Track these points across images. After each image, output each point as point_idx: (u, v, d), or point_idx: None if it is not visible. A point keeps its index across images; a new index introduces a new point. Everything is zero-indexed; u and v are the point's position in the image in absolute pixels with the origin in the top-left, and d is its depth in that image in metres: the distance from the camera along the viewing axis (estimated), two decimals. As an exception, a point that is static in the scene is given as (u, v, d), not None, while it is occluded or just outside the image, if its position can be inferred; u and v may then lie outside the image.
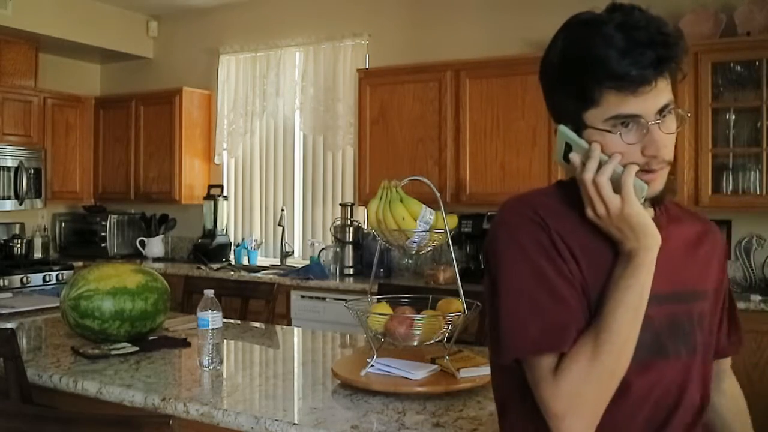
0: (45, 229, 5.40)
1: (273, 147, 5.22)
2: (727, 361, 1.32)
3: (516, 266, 1.09)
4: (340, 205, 4.66)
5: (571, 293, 1.08)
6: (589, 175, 1.06)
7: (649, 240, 1.06)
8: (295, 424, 1.56)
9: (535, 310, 1.07)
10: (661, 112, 1.06)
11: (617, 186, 1.05)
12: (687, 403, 1.13)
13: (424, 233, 1.86)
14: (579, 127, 1.09)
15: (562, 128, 1.11)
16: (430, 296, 2.02)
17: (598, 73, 1.04)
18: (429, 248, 1.94)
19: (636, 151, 1.06)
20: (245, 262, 5.04)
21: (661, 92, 1.05)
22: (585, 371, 1.04)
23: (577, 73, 1.06)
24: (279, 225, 4.99)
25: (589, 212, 1.08)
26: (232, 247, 5.23)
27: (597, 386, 1.05)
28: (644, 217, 1.06)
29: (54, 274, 4.86)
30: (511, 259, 1.10)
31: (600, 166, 1.07)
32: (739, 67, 3.47)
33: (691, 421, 1.14)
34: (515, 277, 1.09)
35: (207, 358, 2.03)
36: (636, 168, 1.06)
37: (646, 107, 1.05)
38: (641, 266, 1.06)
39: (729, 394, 1.31)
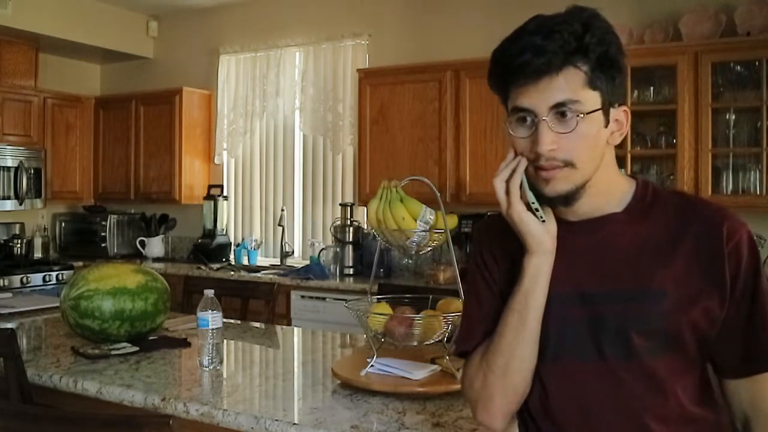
0: (45, 229, 5.40)
1: (273, 147, 5.21)
2: (753, 391, 1.11)
3: (465, 280, 1.30)
4: (340, 205, 4.66)
5: (488, 300, 1.20)
6: (494, 176, 1.13)
7: (533, 245, 1.11)
8: (295, 424, 1.56)
9: (465, 314, 1.26)
10: (557, 109, 1.06)
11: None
12: (623, 408, 1.08)
13: (424, 233, 1.87)
14: None
15: (503, 126, 1.19)
16: (430, 296, 2.02)
17: (499, 64, 1.10)
18: (429, 248, 1.94)
19: (530, 148, 1.09)
20: (245, 262, 5.04)
21: (555, 88, 1.05)
22: (476, 368, 1.18)
23: (492, 65, 1.12)
24: (279, 225, 4.99)
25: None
26: (232, 247, 5.23)
27: (485, 382, 1.15)
28: (526, 222, 1.10)
29: (54, 274, 4.85)
30: (466, 274, 1.30)
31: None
32: (739, 67, 3.47)
33: (639, 429, 1.08)
34: (465, 288, 1.30)
35: (207, 358, 2.03)
36: (521, 172, 1.09)
37: (536, 101, 1.06)
38: (524, 271, 1.12)
39: None
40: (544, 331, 1.12)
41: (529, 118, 1.08)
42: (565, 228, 1.13)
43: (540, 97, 1.05)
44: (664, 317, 1.07)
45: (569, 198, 1.10)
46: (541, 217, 1.10)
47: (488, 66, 1.13)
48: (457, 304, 1.88)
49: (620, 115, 1.13)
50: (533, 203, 1.10)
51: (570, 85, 1.05)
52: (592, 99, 1.07)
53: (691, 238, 1.10)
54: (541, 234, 1.10)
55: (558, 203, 1.11)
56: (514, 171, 1.10)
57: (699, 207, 1.14)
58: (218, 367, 2.05)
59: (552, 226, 1.12)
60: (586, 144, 1.07)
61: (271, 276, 4.45)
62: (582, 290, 1.11)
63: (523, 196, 1.10)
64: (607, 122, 1.10)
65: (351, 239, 4.48)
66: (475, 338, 1.20)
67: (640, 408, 1.08)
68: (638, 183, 1.18)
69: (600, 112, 1.08)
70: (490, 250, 1.22)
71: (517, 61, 1.05)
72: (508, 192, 1.10)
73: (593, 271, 1.11)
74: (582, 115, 1.05)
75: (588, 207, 1.12)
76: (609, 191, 1.14)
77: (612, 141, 1.13)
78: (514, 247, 1.15)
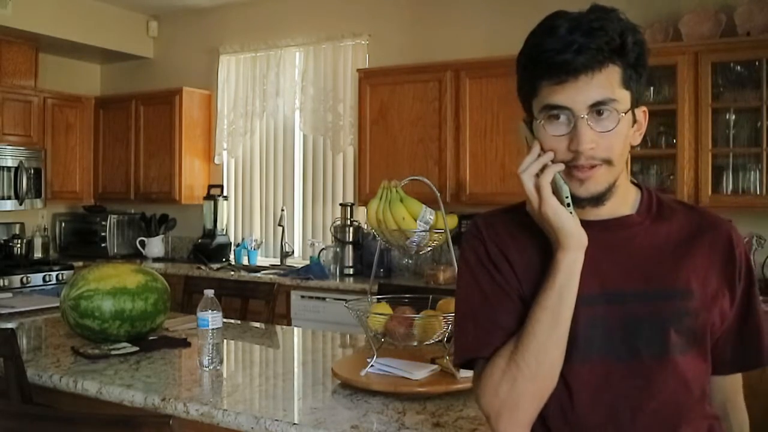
0: (45, 229, 5.40)
1: (273, 147, 5.21)
2: (731, 387, 1.22)
3: (462, 279, 1.20)
4: (340, 205, 4.66)
5: (502, 300, 1.13)
6: (520, 170, 1.10)
7: (567, 241, 1.07)
8: (295, 424, 1.56)
9: (472, 318, 1.16)
10: (596, 107, 1.05)
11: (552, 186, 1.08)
12: (653, 406, 1.08)
13: (424, 233, 1.87)
14: (531, 120, 1.13)
15: (521, 124, 1.15)
16: (430, 296, 2.02)
17: (534, 61, 1.07)
18: (429, 248, 1.94)
19: (566, 146, 1.07)
20: (245, 262, 5.04)
21: (595, 86, 1.04)
22: (501, 372, 1.09)
23: (524, 62, 1.10)
24: (279, 225, 4.98)
25: (527, 207, 1.12)
26: (232, 247, 5.23)
27: (513, 387, 1.08)
28: (561, 217, 1.07)
29: (54, 274, 4.85)
30: (460, 272, 1.21)
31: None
32: (739, 67, 3.47)
33: (667, 427, 1.09)
34: (461, 288, 1.20)
35: (207, 358, 2.03)
36: (556, 169, 1.07)
37: (574, 100, 1.04)
38: (558, 267, 1.08)
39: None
40: (571, 332, 1.09)
41: (563, 116, 1.06)
42: (586, 228, 1.11)
43: (578, 94, 1.04)
44: (694, 315, 1.09)
45: (601, 198, 1.09)
46: (572, 213, 1.09)
47: (519, 62, 1.11)
48: (457, 304, 1.88)
49: (640, 114, 1.13)
50: (567, 197, 1.08)
51: (610, 83, 1.04)
52: (626, 98, 1.07)
53: (705, 242, 1.13)
54: (575, 229, 1.07)
55: (589, 203, 1.09)
56: (545, 166, 1.08)
57: (704, 214, 1.18)
58: (218, 367, 2.05)
59: (578, 221, 1.10)
60: (620, 143, 1.07)
61: (271, 276, 4.45)
62: (608, 289, 1.10)
63: (555, 192, 1.08)
64: (634, 122, 1.10)
65: (351, 239, 4.48)
66: (492, 343, 1.12)
67: (670, 405, 1.09)
68: (642, 188, 1.19)
69: (630, 111, 1.08)
70: (498, 248, 1.16)
71: (556, 59, 1.03)
72: (538, 187, 1.08)
73: (618, 270, 1.11)
74: (623, 114, 1.06)
75: (608, 208, 1.12)
76: (624, 193, 1.15)
77: (633, 141, 1.13)
78: (528, 245, 1.13)
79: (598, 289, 1.10)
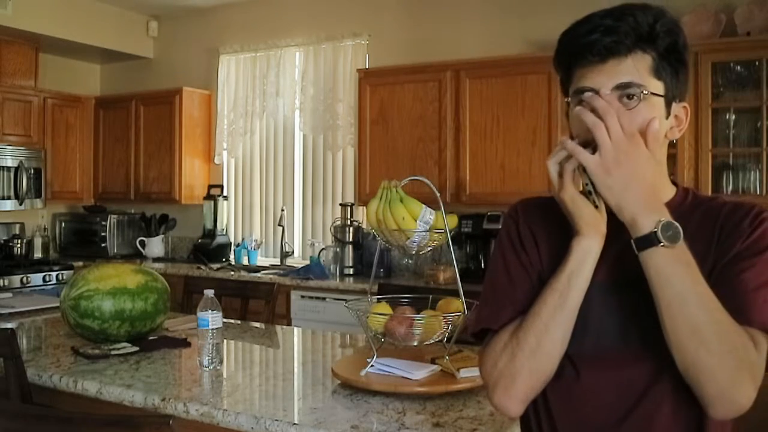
0: (45, 229, 5.40)
1: (273, 147, 5.21)
2: None
3: (493, 255, 1.26)
4: (340, 205, 4.66)
5: (522, 279, 1.16)
6: (548, 158, 1.11)
7: (583, 227, 1.08)
8: (295, 424, 1.56)
9: (492, 292, 1.20)
10: (622, 90, 1.06)
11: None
12: (659, 398, 1.07)
13: (424, 233, 1.86)
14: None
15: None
16: (430, 296, 2.02)
17: (565, 44, 1.10)
18: (429, 248, 1.94)
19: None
20: (245, 262, 5.04)
21: (622, 70, 1.05)
22: (503, 345, 1.13)
23: (558, 47, 1.13)
24: (279, 225, 4.99)
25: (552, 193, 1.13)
26: (232, 247, 5.23)
27: (512, 361, 1.10)
28: (578, 204, 1.07)
29: (54, 274, 4.85)
30: (494, 249, 1.27)
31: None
32: (739, 67, 3.47)
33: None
34: (490, 263, 1.25)
35: (207, 358, 2.03)
36: (578, 154, 1.06)
37: (601, 82, 1.06)
38: (571, 252, 1.09)
39: None
40: (585, 318, 1.10)
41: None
42: (614, 217, 1.10)
43: (604, 76, 1.06)
44: None
45: None
46: (594, 201, 1.08)
47: (555, 47, 1.13)
48: (457, 304, 1.88)
49: (680, 110, 1.13)
50: (587, 185, 1.07)
51: (637, 68, 1.05)
52: (658, 87, 1.07)
53: (707, 222, 1.10)
54: (592, 217, 1.07)
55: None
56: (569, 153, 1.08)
57: (730, 206, 1.12)
58: (218, 367, 2.05)
59: (603, 211, 1.09)
60: (639, 122, 1.06)
61: (271, 276, 4.45)
62: (628, 279, 1.09)
63: (576, 179, 1.08)
64: (668, 114, 1.10)
65: (351, 239, 4.48)
66: (504, 316, 1.15)
67: (683, 399, 1.07)
68: (678, 190, 1.18)
69: (663, 99, 1.08)
70: (529, 230, 1.19)
71: (586, 40, 1.06)
72: (561, 174, 1.08)
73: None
74: (647, 93, 1.05)
75: None
76: (660, 188, 1.13)
77: (671, 135, 1.13)
78: (559, 231, 1.13)
79: (618, 278, 1.10)
